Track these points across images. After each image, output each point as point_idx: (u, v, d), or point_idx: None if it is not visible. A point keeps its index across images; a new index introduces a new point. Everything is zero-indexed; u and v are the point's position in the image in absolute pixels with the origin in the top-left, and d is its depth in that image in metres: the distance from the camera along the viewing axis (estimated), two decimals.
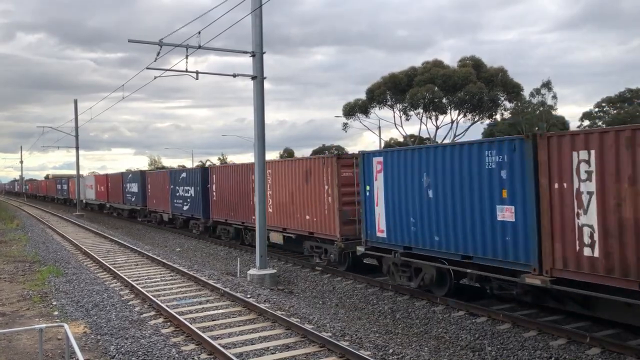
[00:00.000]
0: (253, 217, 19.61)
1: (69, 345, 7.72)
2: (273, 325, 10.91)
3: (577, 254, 9.38)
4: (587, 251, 9.25)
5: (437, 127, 53.31)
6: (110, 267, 17.80)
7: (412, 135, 59.20)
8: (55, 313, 12.17)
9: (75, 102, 47.58)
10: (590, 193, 9.17)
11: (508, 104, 53.37)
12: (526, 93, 55.33)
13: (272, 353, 9.29)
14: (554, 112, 58.97)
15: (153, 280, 16.04)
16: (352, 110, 55.47)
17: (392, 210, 13.54)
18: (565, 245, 9.56)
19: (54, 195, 72.78)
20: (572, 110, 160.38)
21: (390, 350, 9.52)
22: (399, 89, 51.44)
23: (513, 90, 51.19)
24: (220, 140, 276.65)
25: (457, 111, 52.04)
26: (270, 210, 19.69)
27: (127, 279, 15.63)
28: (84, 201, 52.85)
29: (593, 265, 9.15)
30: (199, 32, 15.29)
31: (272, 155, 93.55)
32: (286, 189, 19.07)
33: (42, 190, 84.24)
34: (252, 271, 16.19)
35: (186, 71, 16.37)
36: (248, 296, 13.41)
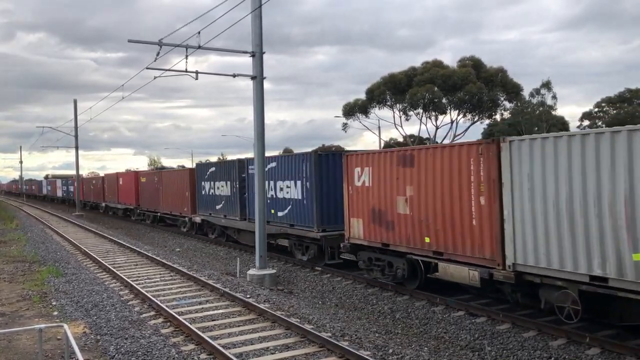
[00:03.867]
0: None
1: (68, 345, 7.72)
2: (273, 325, 10.92)
3: None
4: None
5: (437, 127, 53.44)
6: (109, 267, 17.80)
7: (411, 135, 59.23)
8: (55, 313, 12.17)
9: (75, 102, 47.63)
10: None
11: (508, 104, 53.53)
12: (527, 93, 55.47)
13: (272, 353, 9.30)
14: (553, 112, 59.01)
15: (153, 280, 16.04)
16: (352, 110, 55.53)
17: None
18: None
19: (157, 209, 32.50)
20: (572, 110, 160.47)
21: (390, 350, 9.52)
22: (398, 89, 51.48)
23: (513, 90, 51.28)
24: (220, 140, 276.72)
25: (457, 111, 52.19)
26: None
27: (126, 279, 15.63)
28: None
29: None
30: (199, 32, 15.29)
31: (271, 155, 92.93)
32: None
33: (116, 195, 40.69)
34: (252, 271, 16.19)
35: (186, 71, 16.37)
36: (248, 296, 13.41)
